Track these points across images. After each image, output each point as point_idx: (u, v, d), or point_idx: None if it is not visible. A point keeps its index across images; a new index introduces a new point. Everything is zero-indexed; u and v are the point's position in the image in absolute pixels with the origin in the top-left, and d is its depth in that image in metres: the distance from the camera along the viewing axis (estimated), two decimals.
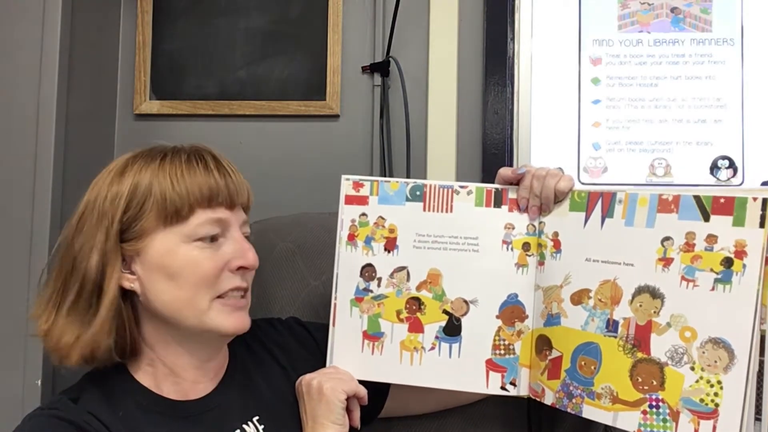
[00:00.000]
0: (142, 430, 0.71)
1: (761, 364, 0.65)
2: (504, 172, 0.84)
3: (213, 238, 0.73)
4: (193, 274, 0.72)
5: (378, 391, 0.88)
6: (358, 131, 1.43)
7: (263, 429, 0.77)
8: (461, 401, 0.93)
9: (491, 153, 1.39)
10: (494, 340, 0.82)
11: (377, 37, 1.42)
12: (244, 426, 0.77)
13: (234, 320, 0.75)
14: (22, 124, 1.15)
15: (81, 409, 0.69)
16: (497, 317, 0.82)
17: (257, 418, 0.78)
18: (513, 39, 1.43)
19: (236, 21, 1.46)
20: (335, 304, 0.85)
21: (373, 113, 1.42)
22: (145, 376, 0.75)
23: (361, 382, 0.83)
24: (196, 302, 0.72)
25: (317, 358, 0.85)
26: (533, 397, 0.81)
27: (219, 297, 0.74)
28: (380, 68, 1.41)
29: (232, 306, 0.75)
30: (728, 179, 1.39)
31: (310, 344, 0.88)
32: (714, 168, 1.40)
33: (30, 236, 1.13)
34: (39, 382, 1.11)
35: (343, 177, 0.87)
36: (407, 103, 1.38)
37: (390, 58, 1.40)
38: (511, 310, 0.82)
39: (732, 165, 1.40)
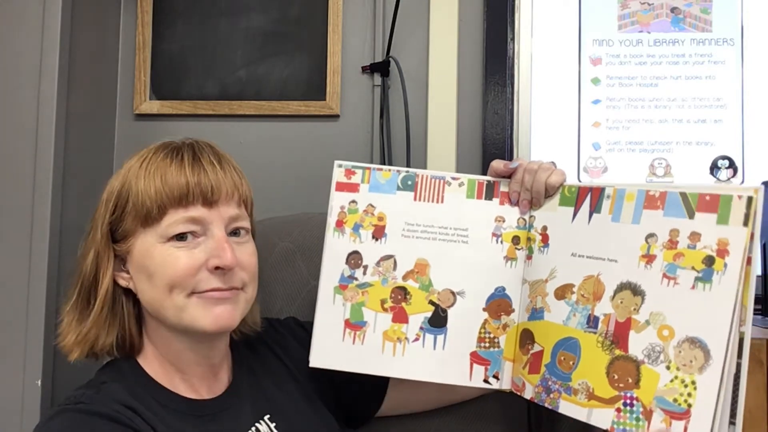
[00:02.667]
0: (167, 422, 0.70)
1: (738, 366, 0.63)
2: (496, 165, 0.83)
3: (188, 237, 0.71)
4: (165, 274, 0.70)
5: (376, 387, 0.88)
6: (358, 131, 1.43)
7: (275, 427, 0.78)
8: (459, 398, 0.93)
9: (491, 153, 1.39)
10: (480, 333, 0.82)
11: (377, 37, 1.42)
12: (257, 425, 0.77)
13: (214, 317, 0.71)
14: (22, 124, 1.15)
15: (107, 399, 0.68)
16: (484, 310, 0.82)
17: (268, 416, 0.78)
18: (513, 39, 1.43)
19: (236, 21, 1.46)
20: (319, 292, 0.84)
21: (373, 113, 1.42)
22: (157, 373, 0.74)
23: (358, 378, 0.83)
24: (172, 300, 0.70)
25: None
26: (515, 392, 0.81)
27: (197, 293, 0.71)
28: (380, 68, 1.41)
29: (210, 298, 0.71)
30: (728, 179, 1.39)
31: (309, 344, 0.88)
32: (714, 168, 1.40)
33: (30, 236, 1.13)
34: (39, 382, 1.11)
35: (336, 163, 0.86)
36: (407, 103, 1.38)
37: (390, 58, 1.40)
38: (498, 303, 0.82)
39: (732, 165, 1.40)
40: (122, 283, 0.74)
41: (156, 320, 0.74)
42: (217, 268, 0.71)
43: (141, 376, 0.74)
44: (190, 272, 0.70)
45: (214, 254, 0.71)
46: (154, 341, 0.75)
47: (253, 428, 0.76)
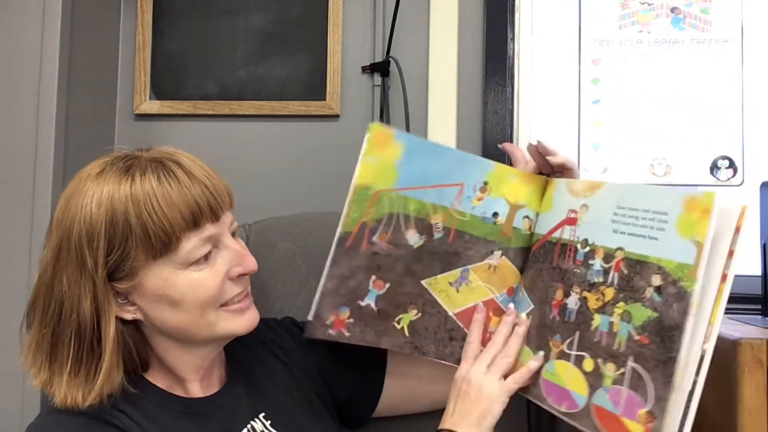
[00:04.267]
0: (160, 423, 0.70)
1: (694, 384, 0.59)
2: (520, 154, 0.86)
3: (206, 256, 0.71)
4: (197, 297, 0.70)
5: (372, 388, 0.88)
6: (358, 131, 1.43)
7: (270, 424, 0.78)
8: None
9: (491, 153, 1.39)
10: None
11: (377, 37, 1.42)
12: (252, 422, 0.77)
13: (246, 321, 0.74)
14: (22, 124, 1.15)
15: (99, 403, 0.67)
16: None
17: (263, 414, 0.78)
18: (513, 39, 1.43)
19: (236, 21, 1.46)
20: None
21: (373, 113, 1.42)
22: (156, 378, 0.74)
23: (355, 378, 0.83)
24: (205, 319, 0.71)
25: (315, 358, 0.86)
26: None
27: (223, 305, 0.72)
28: (380, 68, 1.41)
29: (238, 309, 0.73)
30: (728, 179, 1.40)
31: (306, 344, 0.88)
32: (714, 168, 1.40)
33: (30, 236, 1.13)
34: None
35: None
36: (407, 103, 1.38)
37: (390, 58, 1.40)
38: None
39: (732, 165, 1.40)
40: (128, 317, 0.70)
41: (170, 338, 0.73)
42: (240, 275, 0.73)
43: (136, 381, 0.73)
44: (219, 289, 0.71)
45: (234, 263, 0.72)
46: (161, 355, 0.74)
47: (249, 426, 0.76)
